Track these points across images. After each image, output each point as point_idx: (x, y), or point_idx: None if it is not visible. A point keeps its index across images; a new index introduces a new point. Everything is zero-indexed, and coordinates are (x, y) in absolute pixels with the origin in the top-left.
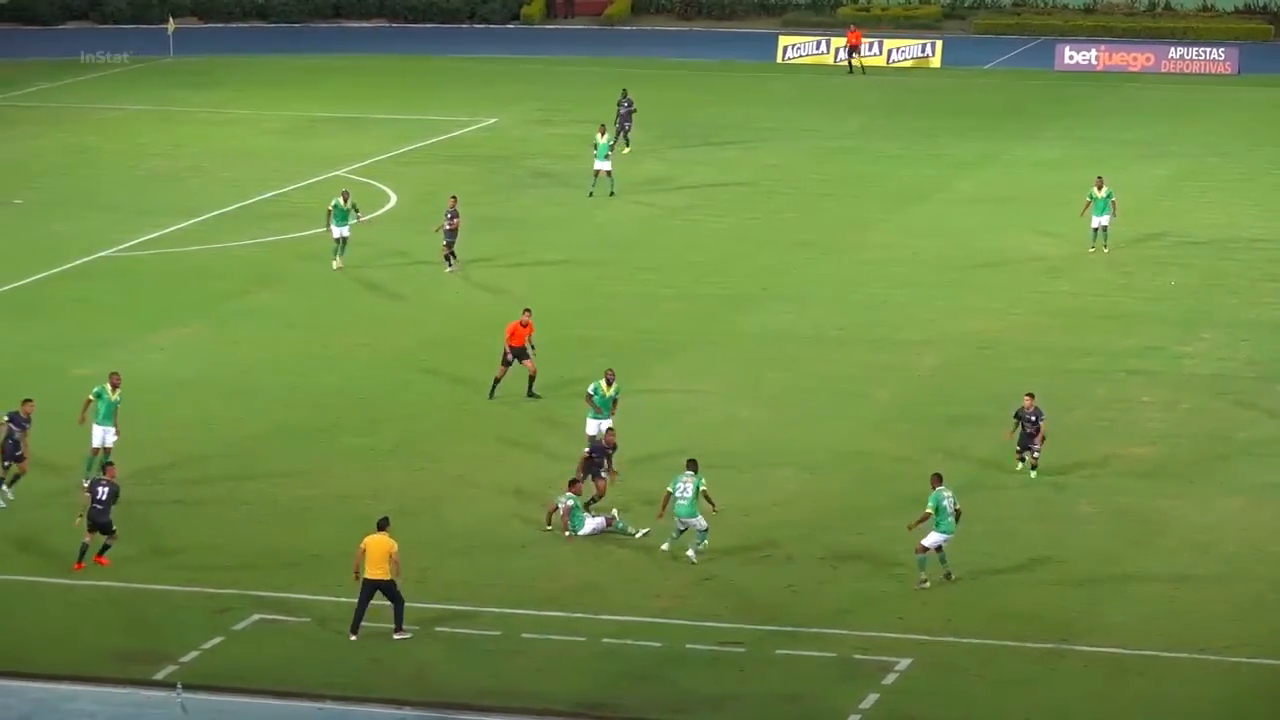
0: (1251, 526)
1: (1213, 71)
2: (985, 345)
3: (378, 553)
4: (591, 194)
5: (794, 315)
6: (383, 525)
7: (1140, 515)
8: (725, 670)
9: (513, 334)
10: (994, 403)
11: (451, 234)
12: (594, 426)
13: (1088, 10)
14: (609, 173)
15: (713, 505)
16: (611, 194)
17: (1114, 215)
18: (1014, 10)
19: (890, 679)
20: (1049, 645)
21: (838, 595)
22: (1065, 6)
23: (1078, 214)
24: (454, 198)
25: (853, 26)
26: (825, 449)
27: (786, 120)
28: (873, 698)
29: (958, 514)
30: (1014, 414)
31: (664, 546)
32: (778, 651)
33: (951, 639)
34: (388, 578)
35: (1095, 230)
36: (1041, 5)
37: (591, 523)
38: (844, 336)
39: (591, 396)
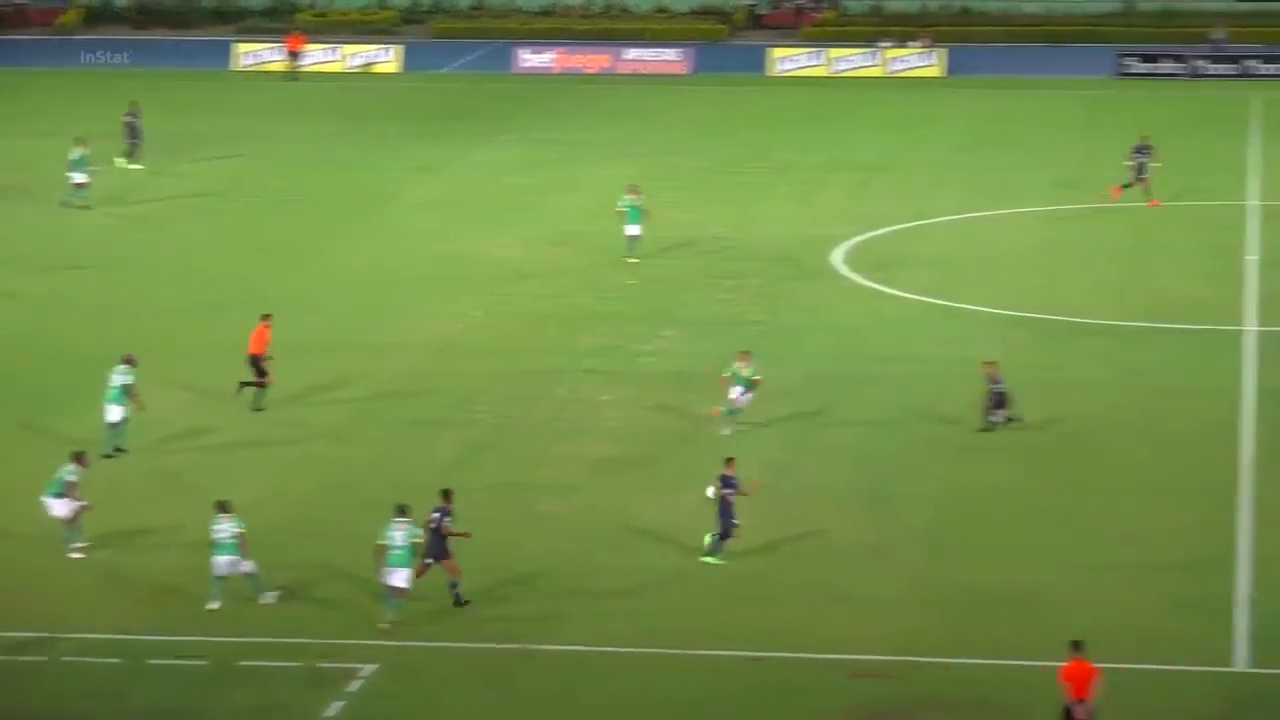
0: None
1: (668, 72)
2: (445, 348)
3: None
4: (65, 204)
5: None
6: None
7: (603, 513)
8: (189, 684)
9: (255, 340)
10: (456, 406)
11: None
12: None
13: (545, 13)
14: (86, 185)
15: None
16: (86, 207)
17: (645, 222)
18: (471, 14)
19: (355, 685)
20: (516, 646)
21: (303, 602)
22: (522, 10)
23: (614, 222)
24: None
25: (294, 32)
26: (289, 457)
27: (246, 128)
28: (338, 705)
29: (415, 547)
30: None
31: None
32: (241, 663)
33: (418, 643)
34: None
35: (631, 239)
36: (499, 9)
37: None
38: (306, 343)
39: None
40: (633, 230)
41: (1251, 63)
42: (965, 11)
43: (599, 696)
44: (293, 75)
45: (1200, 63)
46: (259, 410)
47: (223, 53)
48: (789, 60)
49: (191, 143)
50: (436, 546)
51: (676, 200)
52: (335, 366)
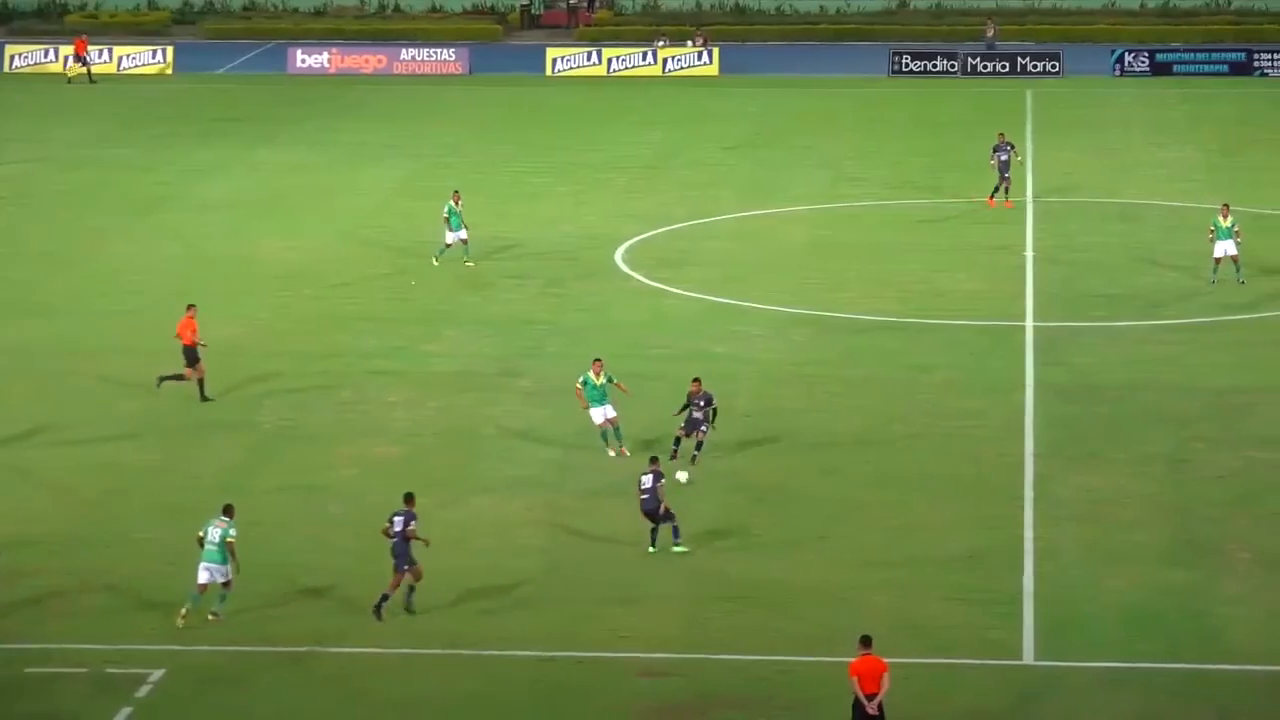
0: (502, 521)
1: (444, 72)
2: (229, 351)
3: None
4: None
5: (39, 328)
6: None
7: (390, 514)
8: None
9: (184, 330)
10: (241, 409)
11: None
12: None
13: (318, 13)
14: None
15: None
16: None
17: (466, 228)
18: (244, 15)
19: (144, 691)
20: (303, 648)
21: (89, 609)
22: (296, 10)
23: (439, 232)
24: None
25: (81, 35)
26: (74, 464)
27: (19, 131)
28: (126, 711)
29: (229, 546)
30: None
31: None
32: (27, 670)
33: (206, 647)
34: None
35: (453, 244)
36: (272, 9)
37: None
38: (87, 347)
39: None
40: (453, 236)
41: (1023, 60)
42: (739, 10)
43: (390, 699)
44: (81, 77)
45: (973, 60)
46: (207, 399)
47: None
48: (565, 60)
49: None
50: (403, 553)
51: None
52: (116, 370)
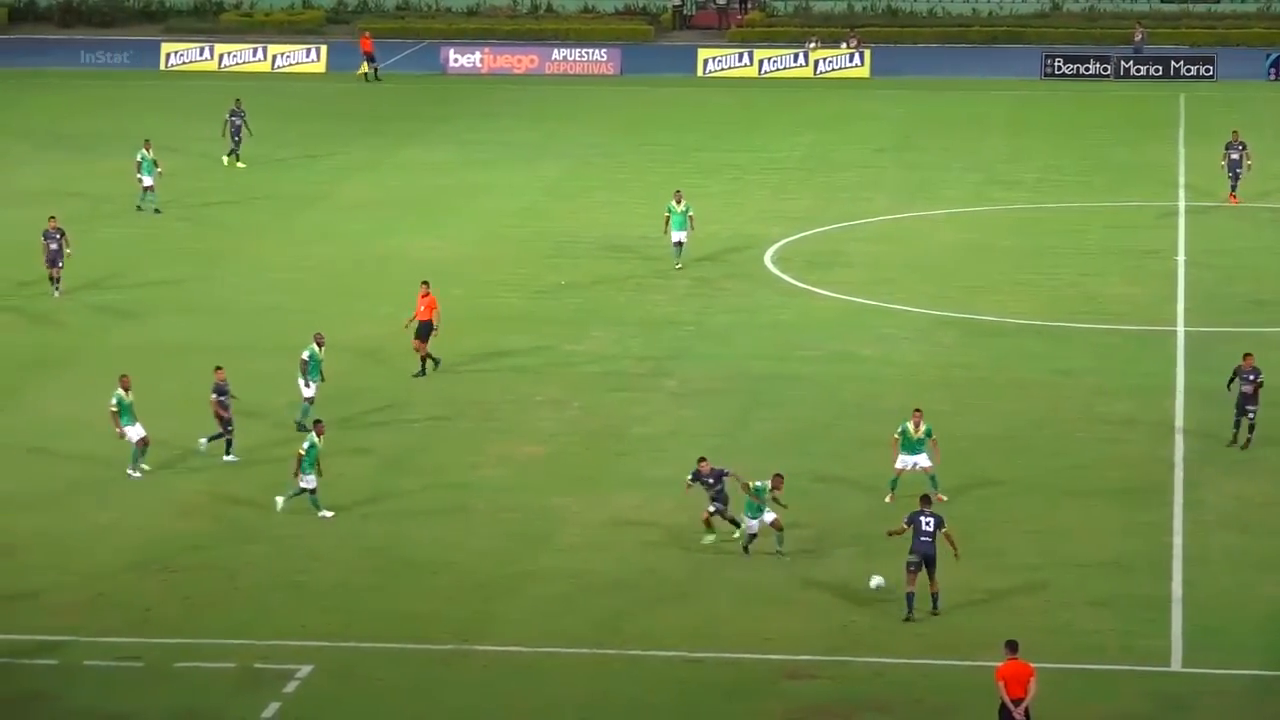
0: (647, 522)
1: (596, 72)
2: (376, 349)
3: None
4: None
5: (189, 326)
6: None
7: (536, 514)
8: (122, 686)
9: (428, 308)
10: (392, 408)
11: (58, 255)
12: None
13: (471, 13)
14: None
15: None
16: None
17: (691, 229)
18: (398, 15)
19: (291, 687)
20: (449, 647)
21: (238, 605)
22: (449, 10)
23: (660, 230)
24: (53, 218)
25: (366, 33)
26: (221, 461)
27: (170, 129)
28: (274, 706)
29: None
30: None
31: None
32: (176, 665)
33: (352, 644)
34: None
35: (676, 245)
36: (426, 9)
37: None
38: (238, 345)
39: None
40: (678, 236)
41: (1176, 64)
42: (892, 12)
43: (535, 698)
44: (375, 76)
45: (1126, 63)
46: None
47: (151, 53)
48: (717, 61)
49: (112, 143)
50: (932, 556)
51: (603, 201)
52: (265, 369)
